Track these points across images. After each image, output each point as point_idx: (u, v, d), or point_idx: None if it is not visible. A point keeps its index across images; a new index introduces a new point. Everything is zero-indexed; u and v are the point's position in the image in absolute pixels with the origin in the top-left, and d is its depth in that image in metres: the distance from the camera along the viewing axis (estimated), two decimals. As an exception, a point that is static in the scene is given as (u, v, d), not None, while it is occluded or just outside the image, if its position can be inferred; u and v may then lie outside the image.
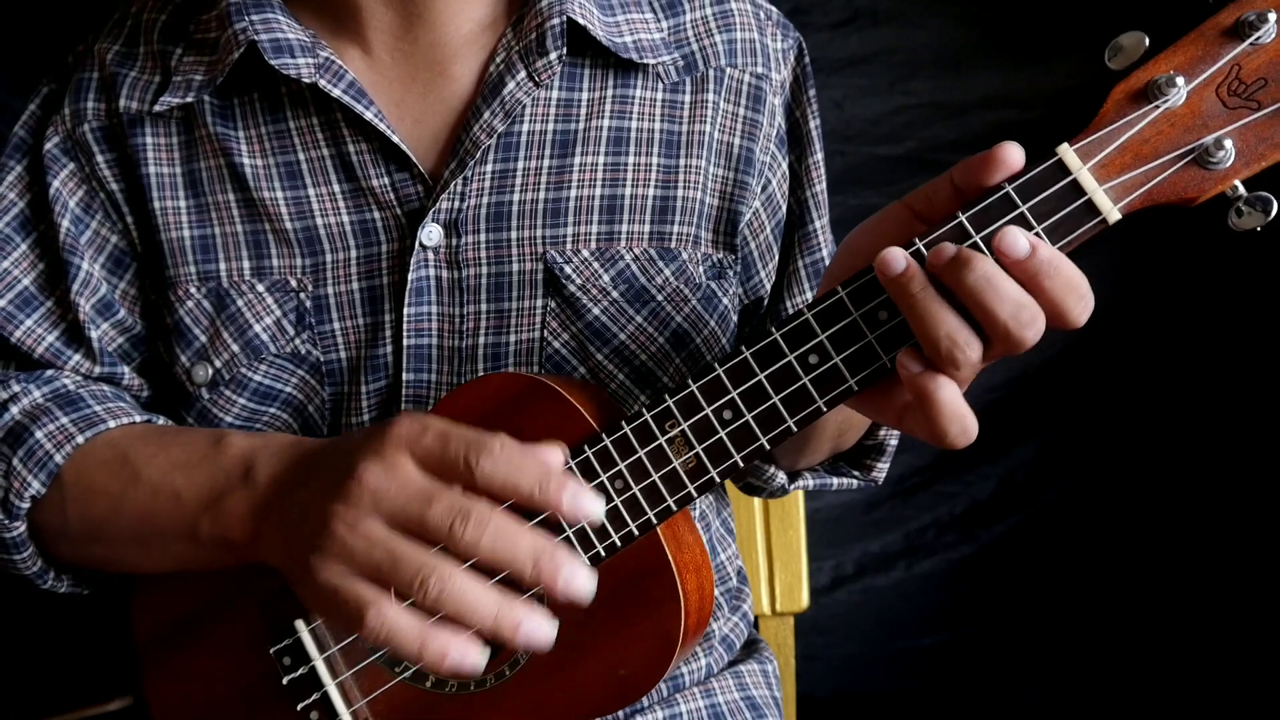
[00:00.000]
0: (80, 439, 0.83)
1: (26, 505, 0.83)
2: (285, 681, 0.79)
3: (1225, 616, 1.74)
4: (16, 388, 0.87)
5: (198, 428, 0.86)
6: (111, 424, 0.85)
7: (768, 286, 0.97)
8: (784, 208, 0.96)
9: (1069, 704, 1.79)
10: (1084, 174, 0.64)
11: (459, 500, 0.65)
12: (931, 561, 1.81)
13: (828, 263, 0.97)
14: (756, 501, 1.27)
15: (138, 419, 0.86)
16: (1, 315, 0.88)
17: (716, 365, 0.71)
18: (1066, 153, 0.64)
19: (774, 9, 0.96)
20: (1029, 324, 0.63)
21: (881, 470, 0.98)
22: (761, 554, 1.28)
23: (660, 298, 0.89)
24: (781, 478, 0.96)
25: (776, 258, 0.97)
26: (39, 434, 0.83)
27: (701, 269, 0.91)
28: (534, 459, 0.66)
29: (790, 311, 0.97)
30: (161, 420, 0.89)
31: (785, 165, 0.95)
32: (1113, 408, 1.77)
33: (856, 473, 0.98)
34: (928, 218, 0.69)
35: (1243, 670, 1.72)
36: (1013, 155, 0.65)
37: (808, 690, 1.53)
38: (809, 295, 0.97)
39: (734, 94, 0.91)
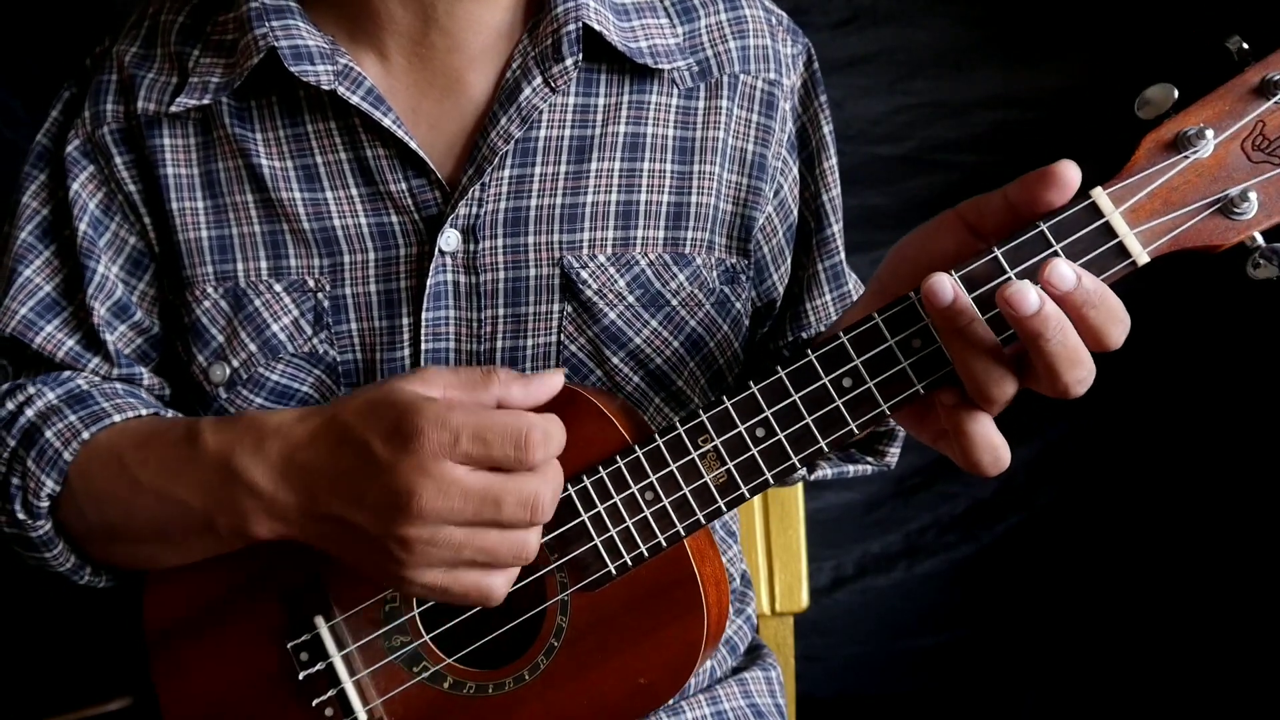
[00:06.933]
0: (86, 434, 0.83)
1: (46, 504, 0.84)
2: (301, 677, 0.79)
3: (1225, 616, 1.74)
4: (32, 390, 0.87)
5: (173, 420, 0.86)
6: (117, 418, 0.85)
7: (780, 290, 0.98)
8: (795, 212, 0.97)
9: (1069, 704, 1.80)
10: (1116, 217, 0.67)
11: (524, 492, 0.70)
12: (932, 562, 1.81)
13: (845, 265, 0.99)
14: (756, 501, 1.28)
15: (144, 413, 0.86)
16: (23, 323, 0.89)
17: (752, 384, 0.72)
18: (1100, 196, 0.67)
19: (783, 14, 0.97)
20: (1085, 381, 0.66)
21: (894, 455, 0.99)
22: (761, 554, 1.28)
23: (675, 302, 0.89)
24: (800, 469, 0.96)
25: (789, 261, 0.98)
26: (49, 433, 0.84)
27: (715, 274, 0.91)
28: (562, 429, 0.72)
29: (811, 313, 0.99)
30: (170, 414, 0.89)
31: (796, 170, 0.96)
32: (1113, 408, 1.77)
33: (870, 458, 0.99)
34: (978, 228, 0.70)
35: (1243, 670, 1.73)
36: (1070, 175, 0.66)
37: (808, 691, 1.53)
38: (828, 297, 0.99)
39: (747, 100, 0.92)
